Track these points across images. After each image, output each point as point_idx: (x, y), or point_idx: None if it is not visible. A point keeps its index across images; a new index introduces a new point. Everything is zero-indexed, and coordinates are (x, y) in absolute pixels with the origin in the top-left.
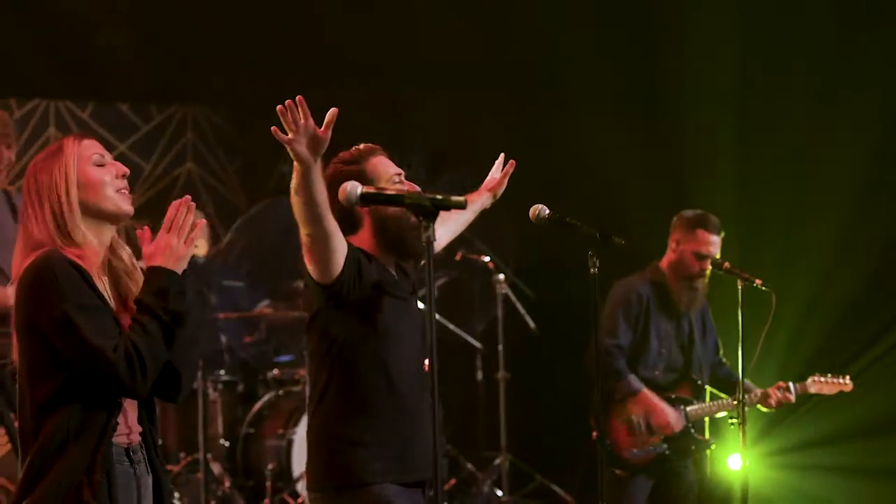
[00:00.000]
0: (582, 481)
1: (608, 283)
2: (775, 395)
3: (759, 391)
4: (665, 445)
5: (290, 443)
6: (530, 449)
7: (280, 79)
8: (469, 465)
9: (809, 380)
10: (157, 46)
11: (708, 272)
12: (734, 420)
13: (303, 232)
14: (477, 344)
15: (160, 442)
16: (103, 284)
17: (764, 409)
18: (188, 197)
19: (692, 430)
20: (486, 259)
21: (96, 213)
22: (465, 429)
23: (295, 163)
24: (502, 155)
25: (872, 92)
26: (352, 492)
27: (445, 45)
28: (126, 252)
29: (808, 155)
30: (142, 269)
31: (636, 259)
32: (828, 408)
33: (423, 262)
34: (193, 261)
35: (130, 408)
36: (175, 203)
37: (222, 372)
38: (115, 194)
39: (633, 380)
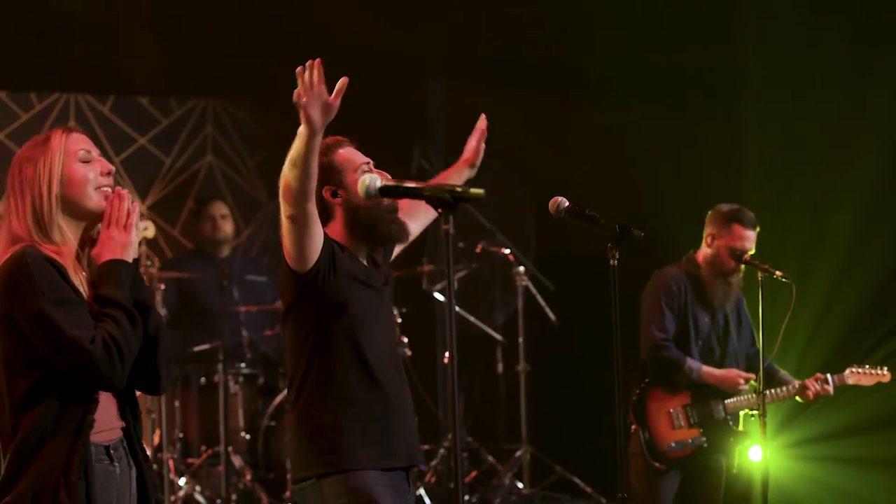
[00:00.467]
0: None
1: (630, 276)
2: (813, 386)
3: (796, 383)
4: (703, 438)
5: None
6: (551, 441)
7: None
8: (490, 458)
9: (847, 371)
10: (178, 40)
11: (742, 267)
12: (755, 412)
13: (286, 213)
14: (497, 336)
15: (181, 435)
16: (79, 279)
17: (800, 401)
18: (119, 188)
19: (730, 423)
20: (507, 251)
21: (76, 211)
22: (486, 421)
23: (301, 128)
24: (482, 116)
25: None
26: (335, 478)
27: (470, 40)
28: None
29: (830, 151)
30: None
31: (660, 251)
32: (848, 399)
33: (394, 255)
34: (211, 256)
35: (110, 403)
36: (109, 197)
37: (243, 365)
38: (96, 192)
39: (692, 362)
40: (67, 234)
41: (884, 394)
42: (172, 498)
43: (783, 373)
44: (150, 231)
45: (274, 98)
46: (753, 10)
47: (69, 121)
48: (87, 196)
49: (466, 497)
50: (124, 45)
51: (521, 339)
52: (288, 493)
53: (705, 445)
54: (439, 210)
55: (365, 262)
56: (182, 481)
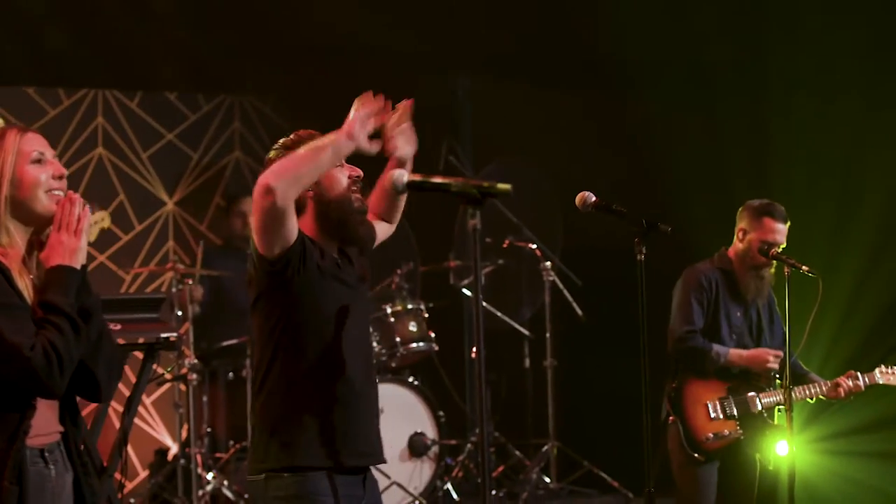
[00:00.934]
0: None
1: (656, 271)
2: (846, 384)
3: (827, 382)
4: (740, 431)
5: None
6: (578, 436)
7: (328, 68)
8: (517, 453)
9: (876, 370)
10: (205, 36)
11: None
12: (781, 406)
13: (265, 200)
14: (524, 331)
15: (209, 430)
16: (24, 283)
17: (825, 399)
18: (71, 192)
19: (766, 416)
20: (534, 246)
21: (25, 213)
22: (513, 416)
23: (341, 136)
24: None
25: None
26: (284, 480)
27: (497, 37)
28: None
29: (855, 149)
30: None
31: (687, 247)
32: (874, 395)
33: (365, 249)
34: (240, 252)
35: (48, 409)
36: (61, 201)
37: None
38: (47, 196)
39: (719, 347)
40: (15, 236)
41: None
42: (200, 493)
43: (812, 374)
44: (107, 222)
45: (301, 94)
46: (780, 9)
47: (98, 116)
48: (37, 199)
49: (493, 492)
50: (152, 41)
51: (548, 335)
52: None
53: (742, 438)
54: (465, 205)
55: (337, 257)
56: (210, 476)
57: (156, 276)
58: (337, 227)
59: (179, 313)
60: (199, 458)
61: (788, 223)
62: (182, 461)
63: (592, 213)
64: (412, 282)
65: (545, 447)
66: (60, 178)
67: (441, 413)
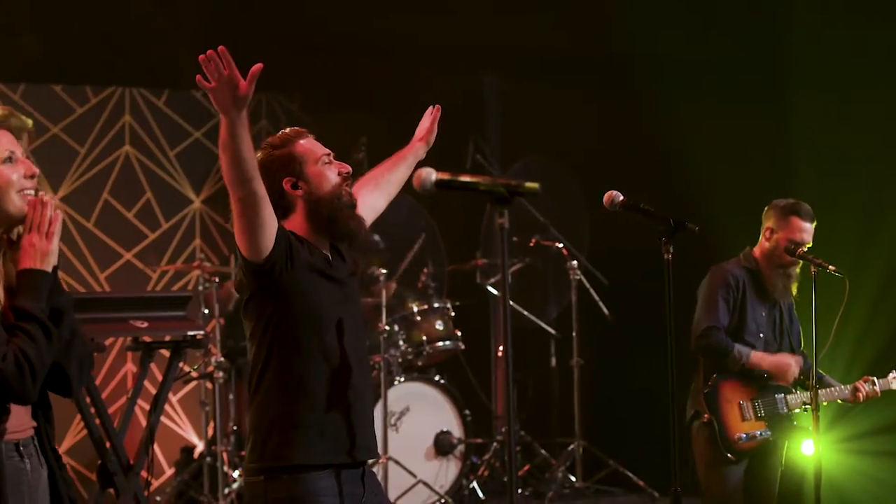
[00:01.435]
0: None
1: (683, 270)
2: (864, 388)
3: (847, 386)
4: (769, 432)
5: None
6: (604, 435)
7: (355, 66)
8: (543, 451)
9: (890, 375)
10: (232, 33)
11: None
12: (808, 405)
13: (233, 197)
14: (551, 330)
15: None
16: None
17: (842, 403)
18: (42, 193)
19: (792, 418)
20: (560, 245)
21: None
22: (539, 415)
23: (221, 116)
24: (433, 107)
25: None
26: (282, 481)
27: (524, 35)
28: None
29: (880, 148)
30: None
31: (713, 246)
32: None
33: (355, 243)
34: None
35: (22, 407)
36: (31, 202)
37: None
38: (19, 196)
39: (741, 347)
40: None
41: None
42: (226, 490)
43: (828, 377)
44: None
45: (327, 91)
46: (803, 7)
47: (125, 114)
48: (9, 199)
49: (519, 490)
50: (179, 39)
51: (574, 334)
52: None
53: (771, 438)
54: (492, 203)
55: (328, 254)
56: (236, 474)
57: (182, 275)
58: (328, 222)
59: (206, 311)
60: (225, 455)
61: (815, 222)
62: (208, 459)
63: (619, 213)
64: (439, 280)
65: (571, 446)
66: (32, 177)
67: (467, 412)
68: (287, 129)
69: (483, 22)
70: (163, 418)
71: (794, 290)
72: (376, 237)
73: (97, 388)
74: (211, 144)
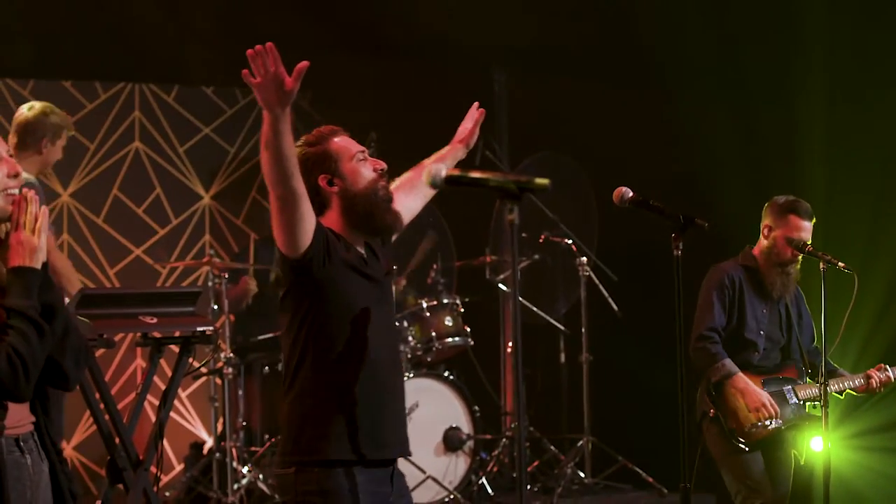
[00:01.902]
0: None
1: (693, 267)
2: (877, 376)
3: (858, 376)
4: (780, 421)
5: None
6: (613, 431)
7: (368, 63)
8: (552, 447)
9: None
10: (243, 29)
11: (800, 258)
12: (816, 402)
13: (273, 195)
14: (560, 326)
15: (244, 423)
16: None
17: (856, 394)
18: (26, 190)
19: (800, 410)
20: (570, 241)
21: None
22: (548, 411)
23: (264, 113)
24: (475, 105)
25: None
26: (313, 474)
27: (534, 30)
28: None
29: (893, 146)
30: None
31: (723, 243)
32: None
33: (393, 238)
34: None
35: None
36: (16, 199)
37: None
38: (2, 195)
39: (728, 363)
40: None
41: None
42: (235, 486)
43: (840, 370)
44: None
45: (337, 87)
46: (817, 5)
47: (134, 110)
48: None
49: (528, 486)
50: (188, 35)
51: (583, 330)
52: None
53: (782, 428)
54: (504, 200)
55: (363, 252)
56: (245, 469)
57: (192, 271)
58: (365, 217)
59: (216, 307)
60: (234, 451)
61: (814, 220)
62: (217, 455)
63: (629, 209)
64: (448, 276)
65: (580, 442)
66: (16, 176)
67: (476, 408)
68: (322, 127)
69: (493, 17)
70: (172, 414)
71: (794, 288)
72: None
73: (106, 384)
74: (221, 140)
